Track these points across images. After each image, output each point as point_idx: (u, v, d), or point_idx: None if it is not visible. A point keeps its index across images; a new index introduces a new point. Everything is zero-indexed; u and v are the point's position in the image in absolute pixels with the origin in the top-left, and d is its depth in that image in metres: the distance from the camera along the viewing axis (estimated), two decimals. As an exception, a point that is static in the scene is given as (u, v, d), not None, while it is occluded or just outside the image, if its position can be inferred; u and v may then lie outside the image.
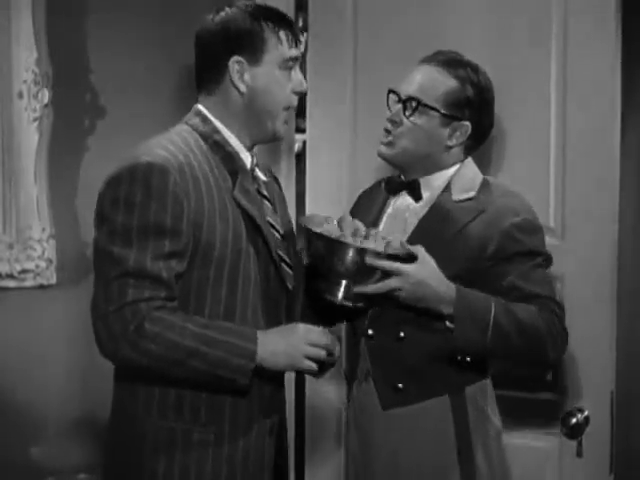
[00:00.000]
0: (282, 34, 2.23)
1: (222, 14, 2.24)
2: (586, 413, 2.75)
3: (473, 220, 2.43)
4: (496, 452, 2.50)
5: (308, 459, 3.17)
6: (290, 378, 2.69)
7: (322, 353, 2.19)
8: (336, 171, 3.07)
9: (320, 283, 2.35)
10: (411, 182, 2.54)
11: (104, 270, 2.11)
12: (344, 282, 2.33)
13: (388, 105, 2.53)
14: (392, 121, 2.50)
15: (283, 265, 2.28)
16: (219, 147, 2.24)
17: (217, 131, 2.25)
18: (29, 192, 2.82)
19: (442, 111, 2.47)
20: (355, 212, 2.63)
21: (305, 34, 3.05)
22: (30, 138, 2.82)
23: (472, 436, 2.44)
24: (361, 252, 2.29)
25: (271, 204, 2.32)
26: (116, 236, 2.09)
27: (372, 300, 2.38)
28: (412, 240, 2.41)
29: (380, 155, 2.53)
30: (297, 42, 2.26)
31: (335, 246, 2.29)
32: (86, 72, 2.92)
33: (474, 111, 2.49)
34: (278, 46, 2.23)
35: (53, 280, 2.87)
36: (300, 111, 3.05)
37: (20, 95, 2.80)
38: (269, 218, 2.28)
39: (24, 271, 2.82)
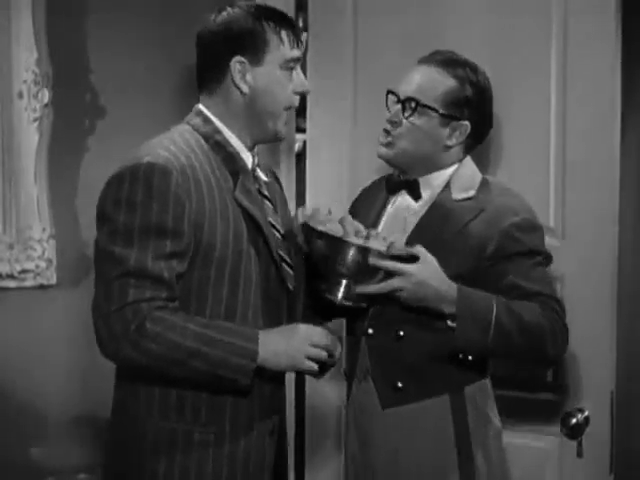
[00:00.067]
0: (284, 34, 2.23)
1: (224, 14, 2.24)
2: (586, 413, 2.75)
3: (473, 219, 2.44)
4: (496, 452, 2.50)
5: (308, 459, 3.17)
6: (290, 378, 2.69)
7: (323, 354, 2.19)
8: (336, 171, 3.07)
9: (320, 282, 2.35)
10: (410, 181, 2.54)
11: (105, 270, 2.11)
12: (344, 282, 2.33)
13: (387, 106, 2.53)
14: (391, 122, 2.50)
15: (284, 265, 2.28)
16: (220, 147, 2.24)
17: (218, 131, 2.25)
18: (29, 192, 2.82)
19: (441, 111, 2.47)
20: (355, 210, 2.63)
21: (305, 34, 3.05)
22: (30, 138, 2.82)
23: (472, 436, 2.44)
24: (364, 252, 2.29)
25: (272, 204, 2.32)
26: (117, 236, 2.10)
27: (373, 300, 2.38)
28: (411, 239, 2.42)
29: (380, 156, 2.53)
30: (299, 42, 2.26)
31: (338, 245, 2.29)
32: (86, 72, 2.93)
33: (473, 110, 2.49)
34: (280, 46, 2.23)
35: (53, 280, 2.87)
36: (300, 111, 3.05)
37: (20, 95, 2.80)
38: (270, 218, 2.28)
39: (24, 271, 2.82)
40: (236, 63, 2.21)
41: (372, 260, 2.29)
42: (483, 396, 2.50)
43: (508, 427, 2.64)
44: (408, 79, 2.51)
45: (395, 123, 2.49)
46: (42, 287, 2.85)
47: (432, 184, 2.52)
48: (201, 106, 2.28)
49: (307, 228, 2.35)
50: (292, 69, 2.26)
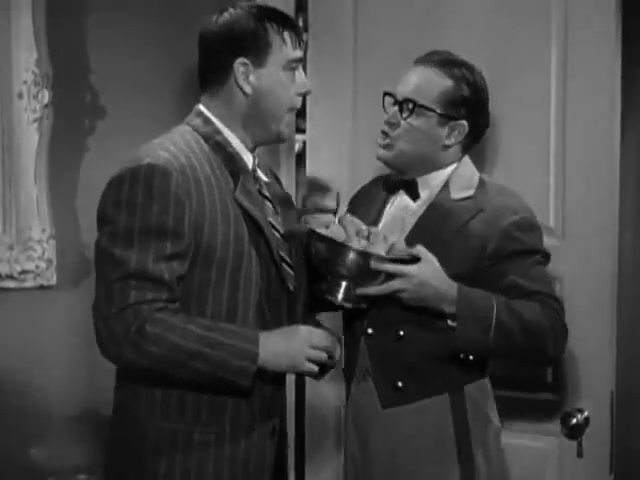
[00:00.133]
0: (286, 35, 2.23)
1: (226, 15, 2.23)
2: (586, 413, 2.75)
3: (472, 219, 2.44)
4: (495, 452, 2.50)
5: (308, 459, 3.17)
6: (290, 379, 2.69)
7: (323, 355, 2.19)
8: (336, 171, 3.07)
9: (321, 283, 2.36)
10: (409, 182, 2.54)
11: (106, 272, 2.11)
12: (344, 283, 2.33)
13: (384, 107, 2.54)
14: (389, 123, 2.51)
15: (284, 266, 2.28)
16: (220, 148, 2.24)
17: (218, 132, 2.25)
18: (29, 192, 2.82)
19: (439, 111, 2.47)
20: (354, 207, 2.64)
21: (305, 34, 3.05)
22: (30, 138, 2.82)
23: (472, 435, 2.44)
24: (365, 256, 2.29)
25: (272, 205, 2.32)
26: (118, 238, 2.09)
27: (374, 300, 2.38)
28: (410, 239, 2.42)
29: (379, 158, 2.54)
30: (300, 43, 2.26)
31: (340, 249, 2.29)
32: (86, 72, 2.92)
33: (470, 110, 2.49)
34: (282, 47, 2.23)
35: (53, 281, 2.87)
36: (300, 111, 3.04)
37: (20, 96, 2.79)
38: (270, 219, 2.28)
39: (24, 272, 2.81)
40: (240, 65, 2.21)
41: (374, 264, 2.30)
42: (483, 396, 2.50)
43: (508, 427, 2.64)
44: (405, 80, 2.51)
45: (393, 124, 2.50)
46: (42, 288, 2.85)
47: (430, 184, 2.52)
48: (201, 107, 2.28)
49: (309, 231, 2.36)
50: (294, 70, 2.26)
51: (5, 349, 2.78)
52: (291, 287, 2.30)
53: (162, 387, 2.16)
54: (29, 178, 2.82)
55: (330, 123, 3.04)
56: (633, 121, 3.02)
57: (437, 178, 2.52)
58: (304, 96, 2.35)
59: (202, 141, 2.23)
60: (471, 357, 2.43)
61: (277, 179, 2.48)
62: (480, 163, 2.79)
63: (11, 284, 2.80)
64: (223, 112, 2.26)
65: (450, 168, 2.53)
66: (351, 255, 2.29)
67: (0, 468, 2.75)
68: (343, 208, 2.78)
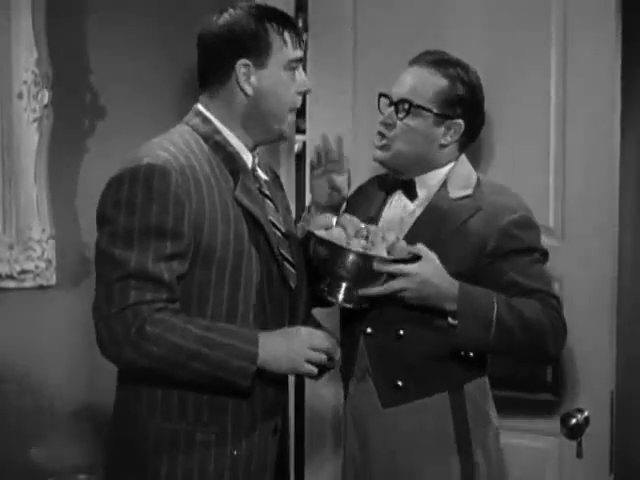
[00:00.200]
0: (287, 35, 2.23)
1: (226, 16, 2.23)
2: (586, 413, 2.75)
3: (471, 217, 2.45)
4: (495, 451, 2.51)
5: (307, 459, 3.17)
6: (290, 379, 2.69)
7: (323, 357, 2.19)
8: (336, 171, 3.06)
9: (321, 284, 2.36)
10: (406, 181, 2.54)
11: (106, 272, 2.11)
12: (345, 284, 2.33)
13: (380, 109, 2.54)
14: (385, 124, 2.51)
15: (286, 264, 2.28)
16: (220, 147, 2.24)
17: (218, 131, 2.25)
18: (29, 192, 2.82)
19: (435, 111, 2.48)
20: (352, 206, 2.63)
21: (305, 34, 3.05)
22: (30, 138, 2.81)
23: (471, 434, 2.45)
24: (366, 258, 2.30)
25: (273, 203, 2.32)
26: (117, 238, 2.09)
27: (375, 300, 2.38)
28: (409, 238, 2.42)
29: (375, 159, 2.54)
30: (300, 43, 2.26)
31: (340, 252, 2.29)
32: (86, 72, 2.92)
33: (466, 109, 2.50)
34: (283, 48, 2.23)
35: (53, 281, 2.87)
36: (300, 111, 3.04)
37: (20, 96, 2.79)
38: (271, 217, 2.28)
39: (24, 272, 2.81)
40: (240, 66, 2.21)
41: (377, 266, 2.30)
42: (482, 395, 2.50)
43: (508, 427, 2.64)
44: (400, 81, 2.52)
45: (389, 125, 2.50)
46: (42, 288, 2.85)
47: (428, 183, 2.53)
48: (200, 106, 2.28)
49: (309, 233, 2.36)
50: (295, 69, 2.26)
51: (5, 349, 2.78)
52: (293, 285, 2.30)
53: (163, 387, 2.16)
54: (29, 178, 2.82)
55: (330, 123, 3.04)
56: (633, 121, 3.02)
57: (434, 177, 2.53)
58: (304, 95, 2.35)
59: (201, 141, 2.23)
60: (471, 354, 2.43)
61: (277, 177, 2.48)
62: (480, 163, 2.79)
63: (11, 284, 2.80)
64: (223, 112, 2.26)
65: (447, 167, 2.53)
66: (352, 258, 2.29)
67: (0, 468, 2.75)
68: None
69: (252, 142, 2.29)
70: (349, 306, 2.36)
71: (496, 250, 2.42)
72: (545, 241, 2.55)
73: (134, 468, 2.18)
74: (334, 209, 2.59)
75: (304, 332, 2.19)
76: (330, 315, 2.60)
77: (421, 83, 2.49)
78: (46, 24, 2.83)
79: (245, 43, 2.21)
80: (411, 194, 2.54)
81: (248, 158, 2.28)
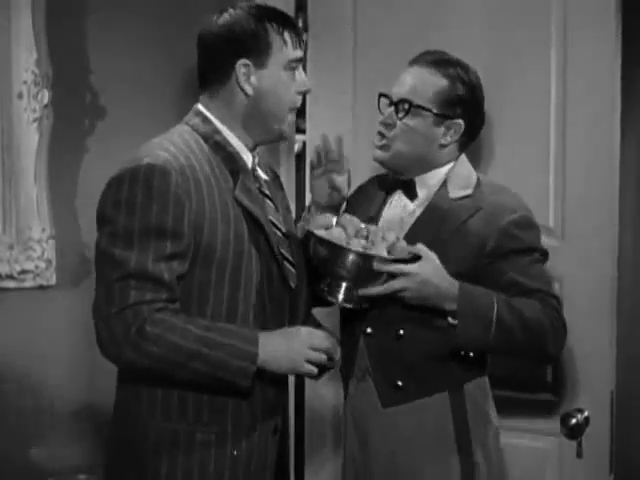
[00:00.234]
0: (287, 35, 2.23)
1: (226, 16, 2.23)
2: (586, 413, 2.75)
3: (471, 217, 2.45)
4: (494, 450, 2.51)
5: (307, 459, 3.17)
6: (290, 378, 2.69)
7: (323, 357, 2.19)
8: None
9: (321, 284, 2.36)
10: (406, 181, 2.55)
11: (106, 272, 2.11)
12: (345, 284, 2.33)
13: (379, 109, 2.54)
14: (385, 124, 2.52)
15: (286, 264, 2.28)
16: (220, 147, 2.24)
17: (217, 131, 2.25)
18: (29, 192, 2.82)
19: (434, 111, 2.48)
20: (351, 206, 2.63)
21: (305, 34, 3.05)
22: (30, 138, 2.81)
23: (471, 433, 2.45)
24: (366, 258, 2.30)
25: (273, 203, 2.32)
26: (117, 238, 2.09)
27: (375, 300, 2.38)
28: (409, 238, 2.42)
29: (375, 159, 2.55)
30: (300, 43, 2.27)
31: (340, 252, 2.29)
32: (86, 72, 2.92)
33: (466, 109, 2.50)
34: (283, 48, 2.23)
35: (53, 281, 2.87)
36: (300, 111, 3.04)
37: (20, 96, 2.79)
38: (271, 217, 2.28)
39: (24, 272, 2.81)
40: (241, 66, 2.21)
41: (377, 266, 2.30)
42: (482, 394, 2.51)
43: (508, 427, 2.64)
44: (400, 81, 2.52)
45: (389, 125, 2.51)
46: (41, 288, 2.85)
47: (428, 183, 2.53)
48: (200, 106, 2.28)
49: (309, 233, 2.36)
50: (295, 69, 2.26)
51: (5, 349, 2.78)
52: (293, 285, 2.30)
53: (163, 387, 2.16)
54: (29, 178, 2.82)
55: (330, 123, 3.04)
56: (633, 121, 3.02)
57: (434, 177, 2.53)
58: (304, 95, 2.35)
59: (201, 141, 2.23)
60: (471, 354, 2.44)
61: (277, 177, 2.48)
62: (480, 163, 2.79)
63: (11, 284, 2.80)
64: (223, 112, 2.26)
65: (447, 167, 2.53)
66: (352, 257, 2.29)
67: (0, 468, 2.75)
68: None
69: (252, 142, 2.29)
70: (349, 306, 2.36)
71: (496, 250, 2.42)
72: (545, 241, 2.55)
73: (134, 468, 2.18)
74: (334, 209, 2.59)
75: (304, 332, 2.19)
76: (330, 315, 2.60)
77: (421, 83, 2.49)
78: (46, 24, 2.83)
79: (245, 43, 2.21)
80: (411, 194, 2.54)
81: (248, 158, 2.28)
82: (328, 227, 2.37)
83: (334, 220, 2.42)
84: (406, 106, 2.48)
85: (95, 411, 2.88)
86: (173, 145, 2.17)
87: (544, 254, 2.50)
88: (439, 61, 2.50)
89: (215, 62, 2.23)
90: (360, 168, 2.88)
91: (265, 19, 2.22)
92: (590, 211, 2.76)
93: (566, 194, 2.79)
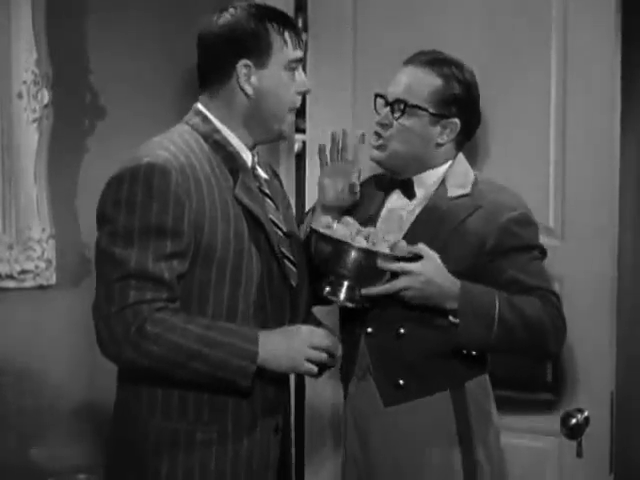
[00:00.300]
0: (287, 35, 2.23)
1: (227, 16, 2.23)
2: (586, 413, 2.75)
3: (470, 216, 2.45)
4: (496, 449, 2.51)
5: (308, 458, 3.17)
6: (290, 378, 2.69)
7: (323, 356, 2.19)
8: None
9: (323, 283, 2.35)
10: (404, 180, 2.55)
11: (106, 271, 2.11)
12: (346, 283, 2.33)
13: (376, 109, 2.55)
14: (381, 124, 2.52)
15: (286, 262, 2.28)
16: (220, 147, 2.24)
17: (217, 131, 2.25)
18: (29, 192, 2.82)
19: (430, 110, 2.48)
20: (351, 208, 2.63)
21: (305, 34, 3.05)
22: (30, 138, 2.82)
23: (473, 432, 2.45)
24: (371, 255, 2.29)
25: (273, 202, 2.32)
26: (117, 237, 2.09)
27: (376, 300, 2.38)
28: (409, 238, 2.42)
29: (372, 159, 2.55)
30: (300, 43, 2.27)
31: (344, 248, 2.29)
32: (86, 72, 2.92)
33: (462, 107, 2.50)
34: (283, 48, 2.23)
35: (53, 281, 2.87)
36: (300, 111, 3.04)
37: (20, 96, 2.79)
38: (271, 216, 2.28)
39: (24, 272, 2.81)
40: (241, 66, 2.21)
41: (380, 263, 2.30)
42: (483, 393, 2.51)
43: (508, 427, 2.65)
44: (395, 81, 2.53)
45: (385, 125, 2.51)
46: (41, 287, 2.85)
47: (426, 183, 2.53)
48: (200, 106, 2.28)
49: (312, 230, 2.36)
50: (294, 70, 2.26)
51: (5, 349, 2.78)
52: (294, 284, 2.30)
53: (163, 387, 2.16)
54: (29, 178, 2.82)
55: (330, 123, 3.03)
56: (633, 121, 3.02)
57: (432, 177, 2.53)
58: (304, 95, 2.35)
59: (201, 140, 2.23)
60: (474, 353, 2.44)
61: (277, 175, 2.49)
62: (480, 163, 2.79)
63: (11, 284, 2.80)
64: (223, 112, 2.26)
65: (445, 166, 2.54)
66: (356, 254, 2.29)
67: (0, 468, 2.75)
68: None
69: (252, 141, 2.29)
70: (351, 305, 2.36)
71: (496, 248, 2.42)
72: (545, 241, 2.55)
73: (134, 468, 2.18)
74: (339, 211, 2.58)
75: (304, 330, 2.19)
76: (330, 314, 2.60)
77: (416, 83, 2.49)
78: (46, 24, 2.83)
79: (246, 43, 2.21)
80: (409, 193, 2.55)
81: (248, 157, 2.28)
82: (329, 227, 2.37)
83: (335, 222, 2.42)
84: (402, 106, 2.49)
85: (95, 411, 2.88)
86: (173, 144, 2.17)
87: (543, 252, 2.51)
88: (434, 60, 2.51)
89: (216, 62, 2.23)
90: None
91: (266, 19, 2.22)
92: (590, 211, 2.76)
93: (566, 194, 2.79)
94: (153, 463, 2.16)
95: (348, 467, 2.59)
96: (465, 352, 2.44)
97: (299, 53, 2.27)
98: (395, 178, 2.57)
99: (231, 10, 2.24)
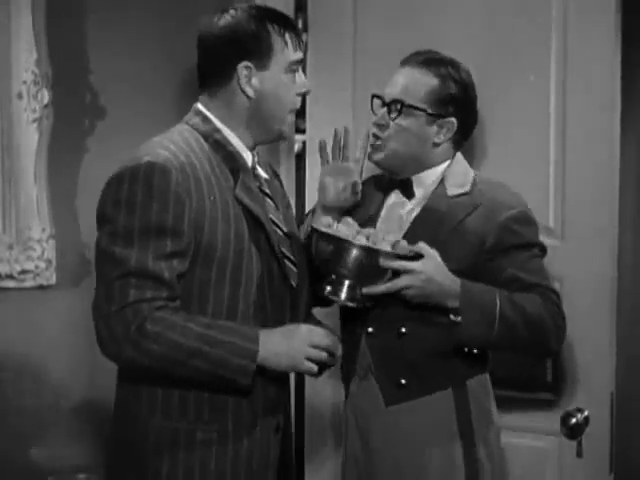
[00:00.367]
0: (288, 37, 2.24)
1: (227, 17, 2.23)
2: (586, 413, 2.75)
3: (469, 215, 2.46)
4: (497, 449, 2.52)
5: (308, 458, 3.17)
6: (290, 377, 2.69)
7: (323, 355, 2.19)
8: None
9: (324, 283, 2.35)
10: (404, 180, 2.55)
11: (106, 270, 2.11)
12: (347, 282, 2.33)
13: (373, 110, 2.55)
14: (378, 125, 2.52)
15: (287, 262, 2.28)
16: (220, 146, 2.24)
17: (217, 130, 2.25)
18: (29, 192, 2.82)
19: (426, 110, 2.48)
20: (351, 208, 2.63)
21: (305, 34, 3.05)
22: (30, 138, 2.82)
23: (474, 431, 2.45)
24: (372, 253, 2.29)
25: (273, 202, 2.32)
26: (118, 236, 2.09)
27: (377, 299, 2.38)
28: (408, 237, 2.42)
29: (371, 160, 2.55)
30: (300, 44, 2.27)
31: (346, 247, 2.29)
32: (86, 72, 2.93)
33: (459, 107, 2.51)
34: (284, 50, 2.23)
35: (53, 281, 2.87)
36: (300, 111, 3.04)
37: (20, 96, 2.80)
38: (271, 215, 2.28)
39: (24, 272, 2.82)
40: (243, 68, 2.21)
41: (383, 262, 2.30)
42: (484, 392, 2.51)
43: (508, 427, 2.64)
44: (392, 82, 2.53)
45: (382, 126, 2.52)
46: (41, 287, 2.85)
47: (424, 182, 2.54)
48: (200, 106, 2.28)
49: (313, 230, 2.36)
50: (295, 71, 2.27)
51: (4, 349, 2.78)
52: (294, 284, 2.30)
53: (163, 386, 2.16)
54: (29, 178, 2.82)
55: (330, 123, 3.03)
56: (633, 121, 3.02)
57: (431, 176, 2.54)
58: (304, 96, 2.35)
59: (201, 140, 2.23)
60: (475, 351, 2.44)
61: (277, 175, 2.49)
62: (480, 163, 2.80)
63: (11, 284, 2.81)
64: (223, 112, 2.26)
65: (443, 165, 2.54)
66: (357, 252, 2.29)
67: (0, 468, 2.76)
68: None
69: (252, 142, 2.29)
70: (352, 305, 2.35)
71: (496, 246, 2.43)
72: (545, 241, 2.55)
73: (134, 467, 2.18)
74: (340, 211, 2.58)
75: (304, 329, 2.19)
76: (330, 314, 2.60)
77: (412, 83, 2.50)
78: (46, 24, 2.83)
79: (247, 45, 2.21)
80: (408, 193, 2.55)
81: (248, 157, 2.28)
82: (330, 227, 2.38)
83: (336, 223, 2.42)
84: (398, 106, 2.49)
85: (95, 411, 2.88)
86: (173, 144, 2.17)
87: (543, 249, 2.51)
88: (430, 60, 2.51)
89: (216, 63, 2.23)
90: (359, 169, 2.87)
91: (267, 20, 2.22)
92: (590, 211, 2.75)
93: (566, 194, 2.79)
94: (153, 463, 2.16)
95: (348, 467, 2.60)
96: (466, 350, 2.44)
97: (300, 55, 2.27)
98: (394, 178, 2.58)
99: (232, 11, 2.24)
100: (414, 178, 2.54)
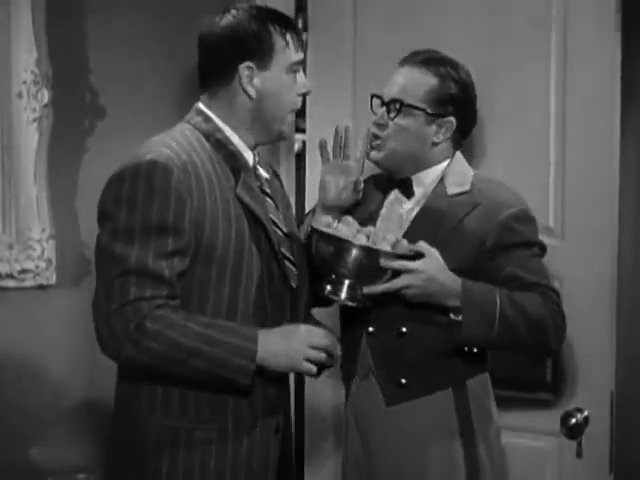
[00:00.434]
0: (289, 38, 2.24)
1: (229, 17, 2.23)
2: (586, 413, 2.75)
3: (469, 214, 2.46)
4: (497, 447, 2.52)
5: (308, 458, 3.17)
6: (290, 378, 2.69)
7: (322, 355, 2.19)
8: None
9: (324, 283, 2.35)
10: (403, 179, 2.55)
11: (106, 268, 2.11)
12: (347, 282, 2.33)
13: (372, 109, 2.55)
14: (378, 124, 2.53)
15: (287, 263, 2.28)
16: (221, 145, 2.24)
17: (219, 129, 2.25)
18: (29, 192, 2.82)
19: (426, 109, 2.49)
20: (350, 208, 2.63)
21: (305, 34, 3.05)
22: (30, 138, 2.82)
23: (474, 430, 2.45)
24: (372, 253, 2.29)
25: (274, 202, 2.32)
26: (118, 234, 2.09)
27: (377, 299, 2.38)
28: (408, 237, 2.42)
29: (370, 159, 2.55)
30: (301, 45, 2.27)
31: (346, 247, 2.29)
32: (86, 72, 2.92)
33: (458, 106, 2.51)
34: (285, 50, 2.24)
35: (53, 280, 2.87)
36: (300, 111, 3.04)
37: (20, 95, 2.79)
38: (272, 215, 2.28)
39: (24, 271, 2.81)
40: (245, 69, 2.22)
41: (383, 262, 2.30)
42: (484, 392, 2.52)
43: (508, 427, 2.64)
44: (391, 81, 2.54)
45: (382, 125, 2.52)
46: (41, 287, 2.85)
47: (424, 181, 2.54)
48: (201, 105, 2.28)
49: (313, 230, 2.36)
50: (296, 72, 2.27)
51: (4, 349, 2.78)
52: (293, 284, 2.30)
53: (163, 385, 2.16)
54: (29, 178, 2.82)
55: (330, 123, 3.03)
56: (633, 121, 3.02)
57: (430, 175, 2.54)
58: (304, 96, 2.35)
59: (203, 139, 2.23)
60: (475, 350, 2.44)
61: (277, 175, 2.49)
62: (480, 163, 2.80)
63: (11, 283, 2.80)
64: (224, 112, 2.26)
65: (442, 165, 2.55)
66: (357, 252, 2.29)
67: (0, 468, 2.75)
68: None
69: (253, 141, 2.29)
70: (352, 304, 2.35)
71: (496, 245, 2.43)
72: (545, 241, 2.55)
73: (134, 466, 2.18)
74: (340, 211, 2.57)
75: (303, 330, 2.19)
76: (330, 314, 2.60)
77: (411, 83, 2.50)
78: (46, 24, 2.83)
79: (248, 45, 2.21)
80: (408, 192, 2.55)
81: (249, 156, 2.28)
82: (330, 226, 2.38)
83: (336, 222, 2.42)
84: (397, 106, 2.49)
85: (95, 410, 2.88)
86: (175, 142, 2.17)
87: (543, 248, 2.52)
88: (429, 60, 2.51)
89: (218, 64, 2.24)
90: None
91: (268, 21, 2.23)
92: (590, 211, 2.76)
93: (566, 194, 2.79)
94: (153, 461, 2.16)
95: (349, 467, 2.60)
96: (466, 350, 2.44)
97: (300, 55, 2.27)
98: (393, 177, 2.58)
99: (233, 12, 2.24)
100: (414, 177, 2.54)
